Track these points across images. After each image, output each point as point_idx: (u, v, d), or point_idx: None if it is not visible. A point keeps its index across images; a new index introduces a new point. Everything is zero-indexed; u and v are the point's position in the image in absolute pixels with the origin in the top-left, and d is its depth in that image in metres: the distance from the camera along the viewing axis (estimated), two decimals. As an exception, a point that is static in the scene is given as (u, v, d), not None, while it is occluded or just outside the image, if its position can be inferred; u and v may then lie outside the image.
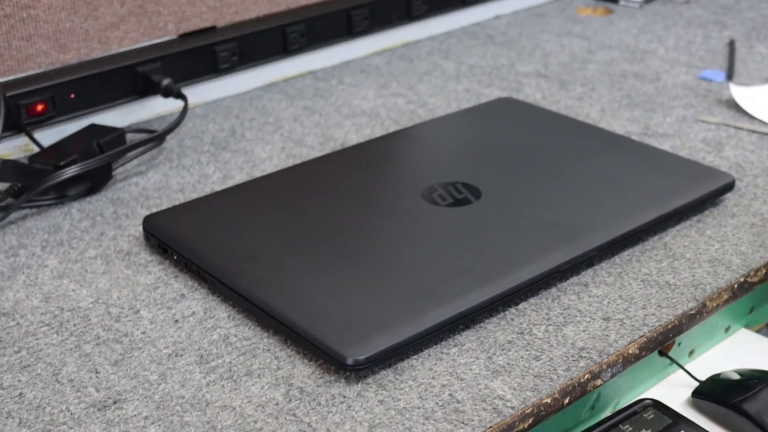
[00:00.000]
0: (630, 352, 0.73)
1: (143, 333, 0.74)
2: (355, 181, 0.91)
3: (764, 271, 0.83)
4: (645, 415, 0.73)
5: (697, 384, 0.79)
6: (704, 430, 0.71)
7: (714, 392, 0.77)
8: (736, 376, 0.78)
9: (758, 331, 0.91)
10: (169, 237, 0.82)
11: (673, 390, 0.80)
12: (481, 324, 0.74)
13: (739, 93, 1.13)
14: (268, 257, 0.78)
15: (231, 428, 0.64)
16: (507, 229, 0.82)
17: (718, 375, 0.79)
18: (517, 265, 0.78)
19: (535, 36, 1.37)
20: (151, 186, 0.96)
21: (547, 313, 0.76)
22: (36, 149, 0.99)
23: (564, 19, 1.44)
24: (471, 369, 0.70)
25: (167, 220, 0.85)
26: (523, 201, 0.86)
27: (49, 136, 1.01)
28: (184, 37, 1.12)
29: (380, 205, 0.87)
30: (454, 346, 0.72)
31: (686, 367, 0.81)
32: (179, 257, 0.81)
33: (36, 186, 0.88)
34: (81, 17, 1.02)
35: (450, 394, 0.67)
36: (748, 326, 0.90)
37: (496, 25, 1.42)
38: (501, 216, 0.84)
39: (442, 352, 0.71)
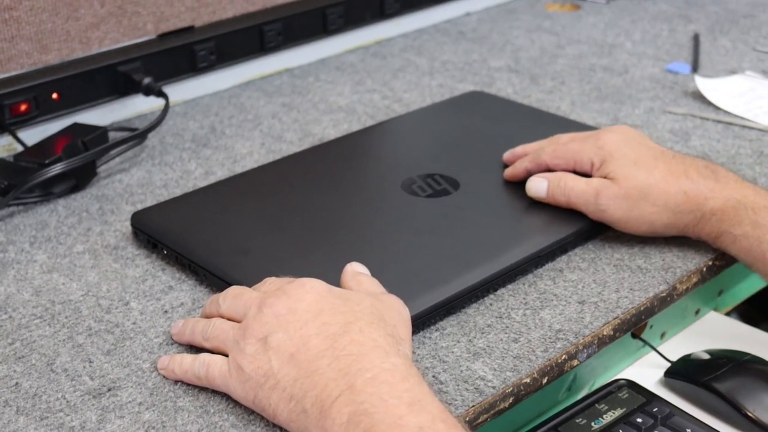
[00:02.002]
0: (605, 333, 0.75)
1: (134, 323, 0.76)
2: (337, 174, 0.93)
3: (731, 254, 0.85)
4: (620, 395, 0.75)
5: (669, 364, 0.81)
6: (677, 407, 0.74)
7: (685, 372, 0.79)
8: (706, 356, 0.80)
9: (727, 314, 0.94)
10: (159, 233, 0.83)
11: (646, 370, 0.83)
12: (462, 309, 0.77)
13: (704, 85, 1.16)
14: (258, 249, 0.80)
15: (224, 411, 0.66)
16: (485, 218, 0.85)
17: (688, 355, 0.81)
18: (495, 253, 0.80)
19: (506, 32, 1.40)
20: (135, 182, 0.97)
21: (524, 298, 0.78)
22: (20, 148, 1.00)
23: (533, 15, 1.47)
24: (453, 352, 0.72)
25: (155, 217, 0.86)
26: (499, 191, 0.89)
27: (33, 135, 1.02)
28: (163, 36, 1.13)
29: (362, 196, 0.89)
30: (436, 330, 0.74)
31: (658, 348, 0.83)
32: (170, 252, 0.82)
33: (22, 183, 0.90)
34: (62, 18, 1.04)
35: (433, 376, 0.69)
36: (717, 309, 0.93)
37: (467, 22, 1.44)
38: (479, 206, 0.86)
39: (424, 336, 0.74)
